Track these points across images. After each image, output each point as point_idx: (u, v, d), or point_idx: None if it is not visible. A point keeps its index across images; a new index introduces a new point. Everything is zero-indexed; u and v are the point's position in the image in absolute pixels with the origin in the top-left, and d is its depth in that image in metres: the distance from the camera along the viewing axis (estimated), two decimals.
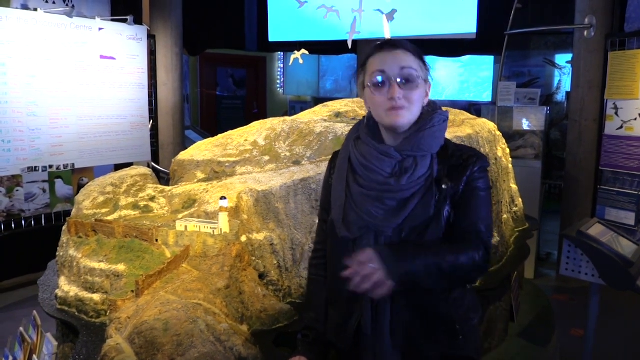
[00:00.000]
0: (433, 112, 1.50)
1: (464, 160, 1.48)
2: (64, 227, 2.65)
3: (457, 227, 1.47)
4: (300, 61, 4.60)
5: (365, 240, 1.47)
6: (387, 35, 3.27)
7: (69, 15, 4.38)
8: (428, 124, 1.46)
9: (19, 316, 2.78)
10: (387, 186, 1.44)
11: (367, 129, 1.54)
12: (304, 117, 3.25)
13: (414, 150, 1.44)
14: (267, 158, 2.90)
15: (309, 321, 1.65)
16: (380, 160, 1.46)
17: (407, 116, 1.44)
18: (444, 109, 1.59)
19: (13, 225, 4.44)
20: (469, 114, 3.30)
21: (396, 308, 1.45)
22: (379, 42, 1.50)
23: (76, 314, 2.27)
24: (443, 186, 1.45)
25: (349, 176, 1.51)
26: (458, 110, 3.29)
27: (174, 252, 2.26)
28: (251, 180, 2.67)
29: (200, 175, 2.98)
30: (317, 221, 1.74)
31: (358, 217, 1.47)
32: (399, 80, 1.42)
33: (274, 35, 6.43)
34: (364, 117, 1.60)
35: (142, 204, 2.76)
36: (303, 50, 4.41)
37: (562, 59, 8.37)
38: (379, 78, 1.44)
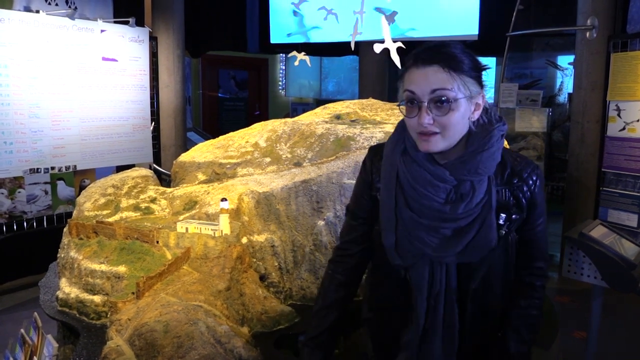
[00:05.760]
0: (491, 129, 1.33)
1: (523, 180, 1.38)
2: (65, 229, 2.65)
3: (521, 267, 1.46)
4: (296, 63, 4.62)
5: (420, 268, 1.38)
6: (387, 38, 3.26)
7: (71, 17, 4.38)
8: (487, 144, 1.31)
9: (19, 318, 2.78)
10: (442, 214, 1.31)
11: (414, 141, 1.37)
12: (305, 118, 3.25)
13: (471, 175, 1.31)
14: (268, 160, 2.90)
15: (312, 329, 1.55)
16: (435, 186, 1.31)
17: (440, 143, 1.28)
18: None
19: (15, 227, 4.45)
20: None
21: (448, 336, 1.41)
22: (416, 50, 1.32)
23: (77, 315, 2.27)
24: (513, 216, 1.37)
25: (397, 195, 1.36)
26: None
27: (175, 254, 2.26)
28: (252, 181, 2.66)
29: (201, 176, 2.98)
30: (345, 218, 1.60)
31: (411, 245, 1.36)
32: (428, 103, 1.26)
33: (275, 37, 6.44)
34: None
35: (143, 205, 2.76)
36: (298, 53, 4.44)
37: (564, 60, 8.37)
38: (409, 99, 1.29)
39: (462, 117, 1.28)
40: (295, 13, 5.86)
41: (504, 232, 1.36)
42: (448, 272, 1.37)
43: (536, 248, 1.45)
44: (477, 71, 1.31)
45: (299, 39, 6.03)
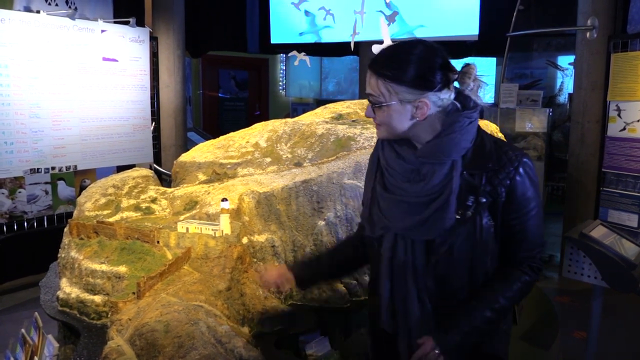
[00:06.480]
0: (456, 115, 1.41)
1: (502, 165, 1.39)
2: (66, 229, 2.65)
3: (509, 253, 1.46)
4: (296, 63, 4.63)
5: (386, 240, 1.49)
6: (386, 37, 3.27)
7: (72, 17, 4.39)
8: (447, 130, 1.40)
9: (20, 318, 2.78)
10: (403, 191, 1.45)
11: None
12: (306, 118, 3.25)
13: (432, 158, 1.41)
14: (268, 160, 2.90)
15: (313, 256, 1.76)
16: (399, 164, 1.47)
17: (384, 133, 1.48)
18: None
19: (15, 227, 4.45)
20: None
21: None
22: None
23: (77, 315, 2.27)
24: (483, 200, 1.38)
25: (376, 176, 1.55)
26: None
27: (175, 254, 2.26)
28: (252, 181, 2.67)
29: (201, 177, 2.98)
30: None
31: (379, 218, 1.50)
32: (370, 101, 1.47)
33: (276, 37, 6.44)
34: None
35: (143, 205, 2.76)
36: (298, 53, 4.44)
37: (565, 60, 8.36)
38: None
39: (392, 118, 1.42)
40: (307, 13, 5.88)
41: (470, 213, 1.38)
42: (414, 247, 1.44)
43: (524, 240, 1.44)
44: (416, 77, 1.37)
45: (312, 38, 6.03)
